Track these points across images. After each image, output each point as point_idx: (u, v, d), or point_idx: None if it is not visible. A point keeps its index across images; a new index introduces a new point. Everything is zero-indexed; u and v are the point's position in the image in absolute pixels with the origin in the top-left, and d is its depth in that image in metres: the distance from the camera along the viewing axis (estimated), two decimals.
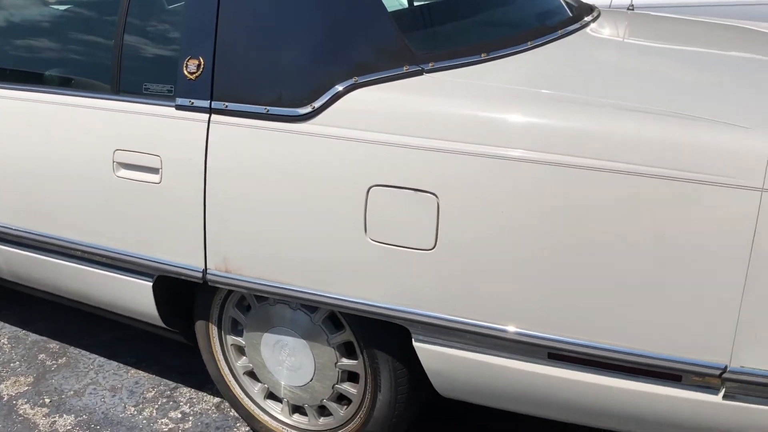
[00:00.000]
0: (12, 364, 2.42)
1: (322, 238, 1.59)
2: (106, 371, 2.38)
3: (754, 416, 1.36)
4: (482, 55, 1.69)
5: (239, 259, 1.72)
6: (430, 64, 1.62)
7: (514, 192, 1.42)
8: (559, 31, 1.92)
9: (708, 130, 1.33)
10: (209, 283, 1.77)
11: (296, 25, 1.63)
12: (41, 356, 2.46)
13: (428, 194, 1.47)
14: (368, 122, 1.54)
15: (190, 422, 2.13)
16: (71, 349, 2.51)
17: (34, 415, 2.17)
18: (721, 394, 1.37)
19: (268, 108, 1.63)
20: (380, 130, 1.52)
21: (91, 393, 2.27)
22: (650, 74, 1.71)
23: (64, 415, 2.17)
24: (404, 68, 1.60)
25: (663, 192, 1.32)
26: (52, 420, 2.15)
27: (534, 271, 1.43)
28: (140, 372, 2.37)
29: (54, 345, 2.53)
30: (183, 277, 1.80)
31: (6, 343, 2.55)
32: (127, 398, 2.24)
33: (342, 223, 1.56)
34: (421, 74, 1.61)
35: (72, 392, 2.28)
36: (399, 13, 1.95)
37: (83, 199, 1.90)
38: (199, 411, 2.18)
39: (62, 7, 2.14)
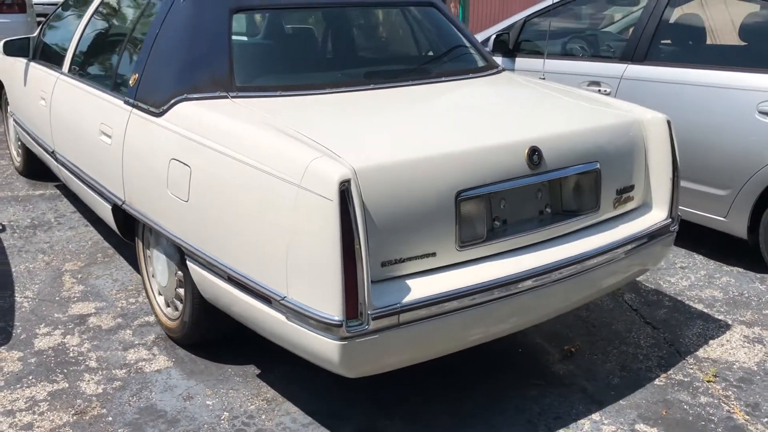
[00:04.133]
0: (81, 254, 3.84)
1: (155, 189, 2.65)
2: (120, 268, 3.67)
3: (303, 338, 2.10)
4: (278, 92, 2.61)
5: (133, 196, 2.85)
6: (236, 93, 2.59)
7: (222, 170, 2.34)
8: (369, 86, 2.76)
9: (291, 143, 2.13)
10: (124, 209, 2.92)
11: (171, 61, 2.72)
12: (98, 255, 3.84)
13: (186, 166, 2.46)
14: (179, 122, 2.56)
15: (137, 305, 3.30)
16: (117, 254, 3.85)
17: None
18: (285, 315, 2.13)
19: (150, 107, 2.73)
20: (182, 127, 2.54)
21: (98, 279, 3.57)
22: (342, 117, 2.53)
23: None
24: (218, 93, 2.59)
25: (257, 179, 2.15)
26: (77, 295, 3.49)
27: (222, 218, 2.34)
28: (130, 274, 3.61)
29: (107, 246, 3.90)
30: (117, 203, 2.98)
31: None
32: (112, 285, 3.49)
33: (160, 182, 2.61)
34: (227, 98, 2.59)
35: (95, 276, 3.60)
36: (252, 48, 2.94)
37: (87, 147, 3.23)
38: (144, 301, 3.35)
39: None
